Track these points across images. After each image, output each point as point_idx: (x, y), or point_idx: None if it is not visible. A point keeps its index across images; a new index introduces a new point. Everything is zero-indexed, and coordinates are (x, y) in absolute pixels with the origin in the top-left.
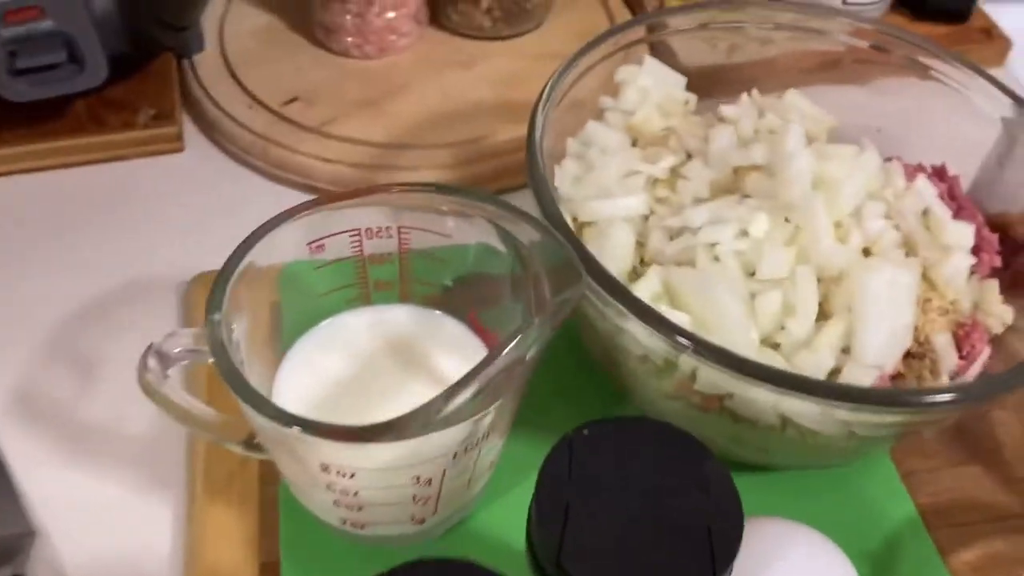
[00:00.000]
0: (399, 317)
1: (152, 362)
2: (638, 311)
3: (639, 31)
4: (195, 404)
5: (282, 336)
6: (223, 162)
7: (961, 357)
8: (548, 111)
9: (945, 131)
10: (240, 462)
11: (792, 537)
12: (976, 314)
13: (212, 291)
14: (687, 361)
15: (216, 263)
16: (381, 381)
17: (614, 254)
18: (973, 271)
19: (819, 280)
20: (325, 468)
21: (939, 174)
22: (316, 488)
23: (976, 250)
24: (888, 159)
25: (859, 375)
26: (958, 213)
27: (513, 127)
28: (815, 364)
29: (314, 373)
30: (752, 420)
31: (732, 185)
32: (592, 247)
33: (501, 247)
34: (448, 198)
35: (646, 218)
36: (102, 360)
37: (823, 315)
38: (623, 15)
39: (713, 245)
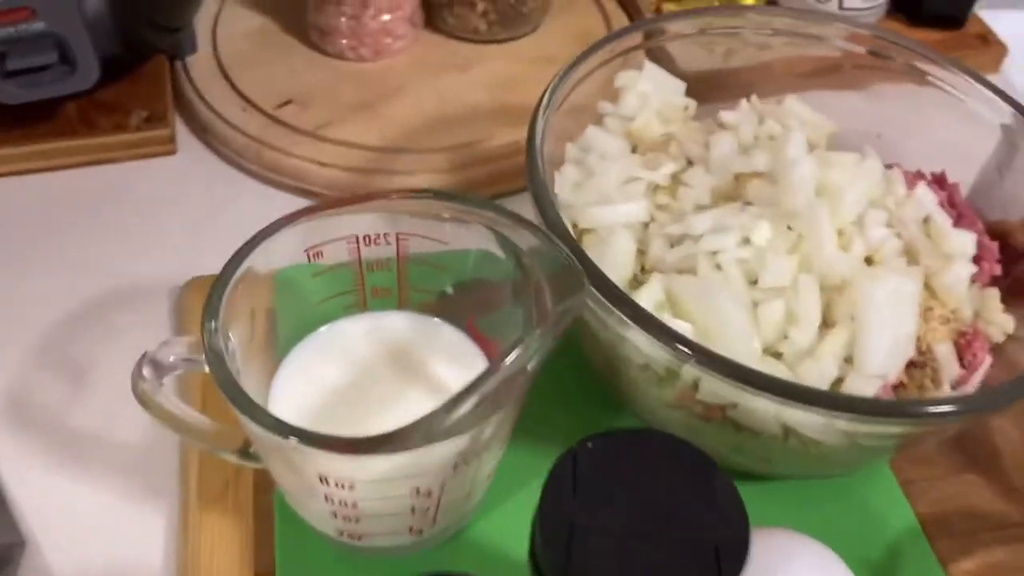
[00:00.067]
0: (396, 324)
1: (147, 371)
2: (641, 320)
3: (637, 36)
4: (190, 413)
5: (277, 343)
6: (216, 165)
7: (962, 366)
8: (548, 116)
9: (943, 137)
10: (234, 471)
11: (795, 548)
12: (977, 323)
13: (209, 299)
14: (690, 371)
15: (209, 267)
16: (379, 389)
17: (615, 261)
18: (973, 279)
19: (821, 289)
20: (323, 479)
21: (939, 181)
22: (313, 499)
23: (976, 259)
24: (888, 166)
25: (862, 385)
26: (958, 221)
27: (509, 131)
28: (819, 374)
29: (311, 381)
30: (754, 430)
31: (733, 192)
32: (592, 254)
33: (500, 254)
34: (447, 205)
35: (646, 225)
36: (93, 366)
37: (825, 324)
38: (619, 18)
39: (715, 253)
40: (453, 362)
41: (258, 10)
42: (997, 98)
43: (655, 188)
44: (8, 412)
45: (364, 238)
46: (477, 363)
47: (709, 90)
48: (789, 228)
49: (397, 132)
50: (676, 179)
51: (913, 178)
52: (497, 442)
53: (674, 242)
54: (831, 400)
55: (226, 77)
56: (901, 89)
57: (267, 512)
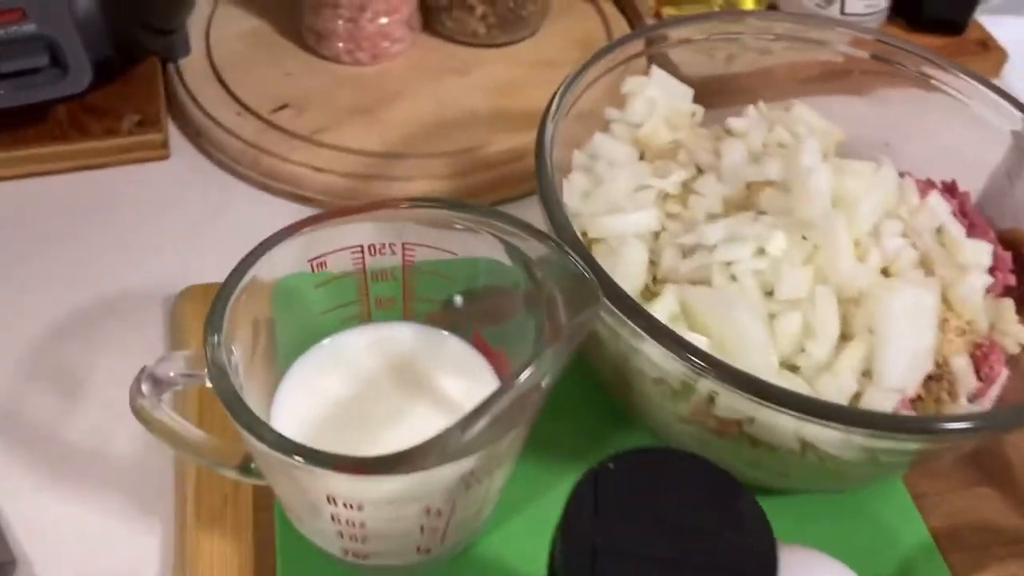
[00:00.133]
0: (401, 336)
1: (146, 387)
2: (656, 333)
3: (641, 43)
4: (190, 429)
5: (278, 355)
6: (210, 170)
7: (979, 379)
8: (557, 122)
9: (950, 144)
10: (233, 486)
11: (812, 566)
12: (992, 334)
13: (211, 311)
14: (706, 385)
15: (204, 276)
16: (384, 404)
17: (627, 272)
18: (988, 290)
19: (838, 301)
20: (331, 499)
21: (950, 190)
22: (318, 518)
23: (990, 269)
24: (900, 175)
25: (880, 399)
26: (970, 231)
27: (509, 136)
28: (838, 388)
29: (314, 395)
30: (771, 445)
31: (745, 201)
32: (604, 265)
33: (508, 263)
34: (456, 214)
35: (657, 235)
36: (85, 378)
37: (842, 337)
38: (618, 22)
39: (729, 264)
40: (459, 375)
41: (252, 12)
42: (1007, 103)
43: (665, 196)
44: None
45: (369, 248)
46: (484, 376)
47: (712, 95)
48: (804, 238)
49: (395, 137)
50: (686, 187)
51: (924, 186)
52: (509, 459)
53: (687, 252)
54: (855, 417)
55: (220, 80)
56: (906, 94)
57: (268, 529)
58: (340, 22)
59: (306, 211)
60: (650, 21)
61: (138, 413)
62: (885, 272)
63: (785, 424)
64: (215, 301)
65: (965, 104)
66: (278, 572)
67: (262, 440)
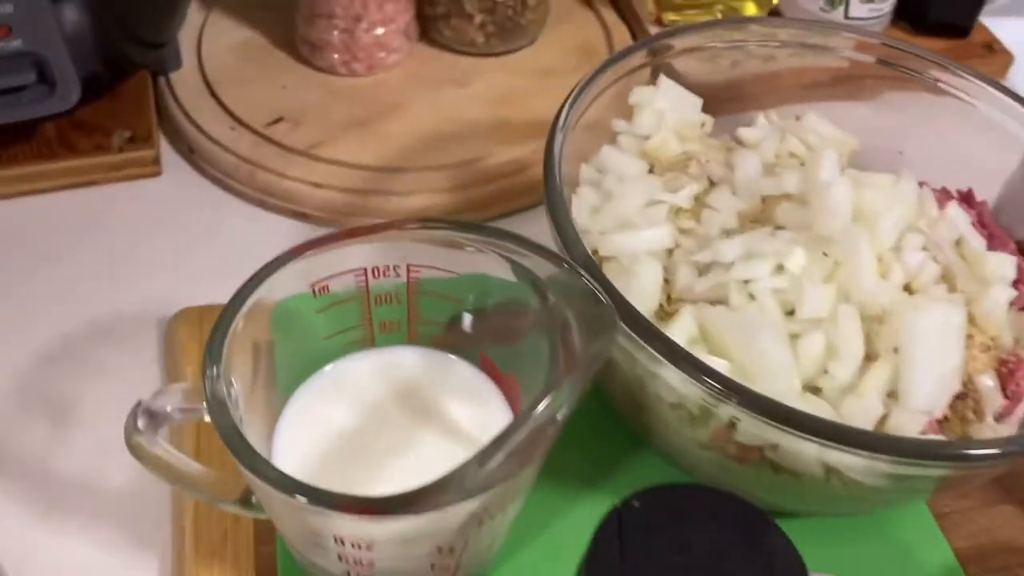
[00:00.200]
0: (407, 361)
1: (142, 422)
2: (675, 357)
3: (646, 53)
4: (187, 463)
5: (279, 382)
6: (204, 187)
7: (1005, 396)
8: (565, 134)
9: (962, 150)
10: (233, 519)
11: None
12: (1017, 349)
13: (210, 342)
14: (727, 411)
15: (199, 297)
16: (391, 433)
17: (642, 292)
18: (1011, 304)
19: (860, 319)
20: (338, 539)
21: (967, 199)
22: (324, 556)
23: (1014, 282)
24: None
25: (907, 421)
26: (990, 242)
27: (510, 148)
28: (863, 411)
29: (318, 425)
30: (794, 471)
31: (760, 215)
32: (616, 285)
33: (517, 283)
34: (466, 235)
35: (670, 252)
36: (77, 406)
37: (865, 357)
38: (619, 29)
39: (747, 282)
40: (468, 401)
41: (245, 23)
42: (1020, 107)
43: (677, 211)
44: None
45: (373, 270)
46: (493, 401)
47: (717, 103)
48: (824, 254)
49: (393, 150)
50: (699, 201)
51: (941, 197)
52: (523, 492)
53: (702, 270)
54: (887, 445)
55: (213, 94)
56: (914, 99)
57: (270, 564)
58: (335, 33)
59: (303, 227)
60: (651, 27)
61: (133, 450)
62: (907, 288)
63: (809, 450)
64: (213, 331)
65: (975, 108)
66: None
67: (264, 479)
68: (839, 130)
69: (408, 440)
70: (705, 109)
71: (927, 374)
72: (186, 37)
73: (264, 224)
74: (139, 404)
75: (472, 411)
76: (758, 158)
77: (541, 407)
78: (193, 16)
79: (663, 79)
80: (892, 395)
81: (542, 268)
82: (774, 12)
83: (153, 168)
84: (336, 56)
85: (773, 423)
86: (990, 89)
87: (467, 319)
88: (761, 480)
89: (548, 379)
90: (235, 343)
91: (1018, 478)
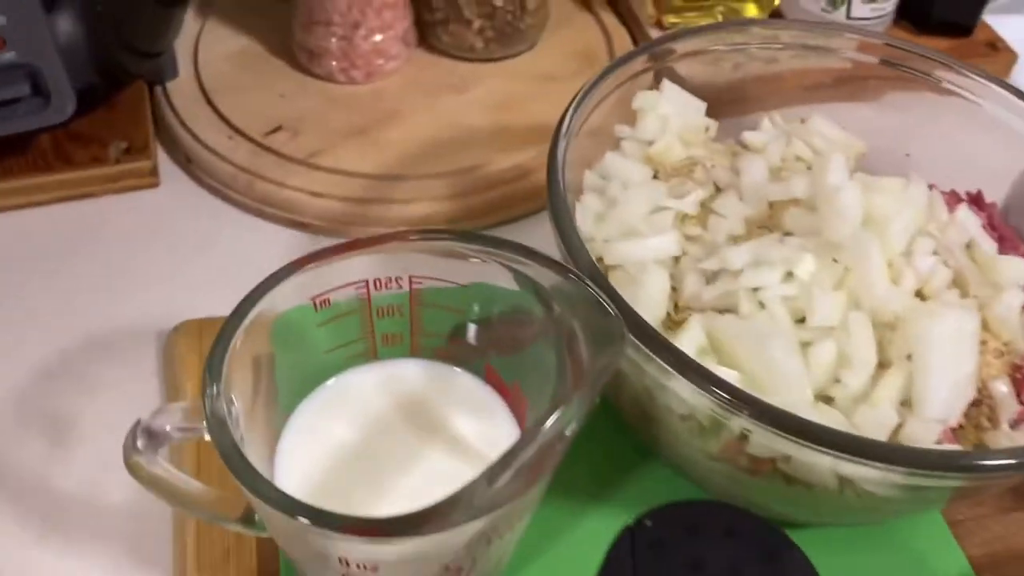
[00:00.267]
0: (410, 373)
1: (141, 442)
2: (685, 369)
3: (648, 58)
4: (188, 482)
5: (279, 397)
6: (202, 197)
7: (1020, 402)
8: (569, 140)
9: (968, 151)
10: (236, 536)
11: None
12: None
13: (209, 359)
14: (738, 423)
15: (199, 309)
16: (395, 448)
17: (649, 302)
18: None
19: (872, 326)
20: (343, 561)
21: (976, 201)
22: None
23: None
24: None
25: (921, 430)
26: (1000, 244)
27: (511, 154)
28: (877, 422)
29: (320, 442)
30: (807, 483)
31: (768, 220)
32: (623, 294)
33: (520, 293)
34: (470, 246)
35: (677, 259)
36: (75, 422)
37: (877, 365)
38: (619, 32)
39: (756, 289)
40: (473, 414)
41: (241, 31)
42: None
43: (683, 217)
44: None
45: (375, 282)
46: (499, 414)
47: (719, 106)
48: (834, 260)
49: (393, 158)
50: (705, 207)
51: (950, 199)
52: (531, 509)
53: (710, 278)
54: (904, 456)
55: (210, 103)
56: (918, 98)
57: None
58: (333, 40)
59: (302, 237)
60: (651, 30)
61: (132, 470)
62: (919, 294)
63: (823, 462)
64: (213, 349)
65: (981, 107)
66: None
67: (266, 500)
68: (845, 133)
69: (413, 456)
70: (707, 112)
71: (942, 382)
72: (182, 46)
73: (263, 234)
74: (138, 423)
75: (478, 425)
76: (764, 163)
77: (550, 422)
78: (189, 24)
79: (667, 83)
80: (906, 404)
81: (546, 278)
82: (775, 13)
83: (150, 179)
84: (334, 63)
85: (786, 435)
86: (995, 88)
87: (471, 330)
88: (773, 492)
89: (555, 391)
90: (235, 359)
91: None
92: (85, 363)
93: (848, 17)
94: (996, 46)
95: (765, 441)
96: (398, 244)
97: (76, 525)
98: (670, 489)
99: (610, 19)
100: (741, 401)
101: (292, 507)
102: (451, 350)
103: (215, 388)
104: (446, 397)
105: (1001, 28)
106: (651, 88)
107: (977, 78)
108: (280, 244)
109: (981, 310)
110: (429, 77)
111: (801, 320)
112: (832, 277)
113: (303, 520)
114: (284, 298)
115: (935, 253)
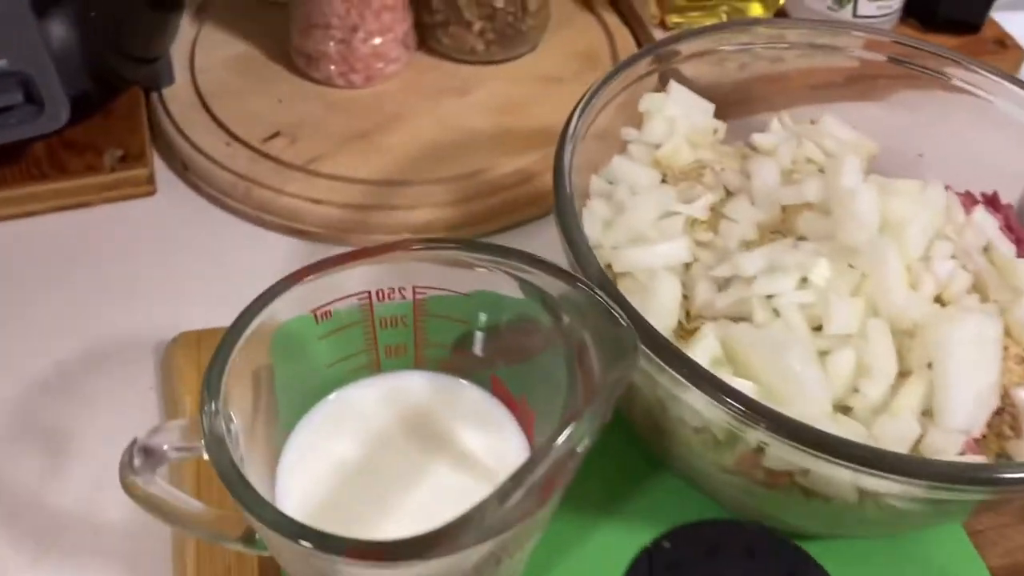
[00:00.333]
0: (414, 386)
1: (138, 461)
2: (699, 380)
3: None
4: (186, 501)
5: (281, 412)
6: (200, 205)
7: None
8: (575, 144)
9: (981, 150)
10: (237, 555)
11: None
12: None
13: (207, 376)
14: (755, 435)
15: (197, 320)
16: (400, 464)
17: (660, 310)
18: None
19: (891, 334)
20: None
21: (991, 203)
22: None
23: None
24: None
25: (943, 441)
26: (1018, 247)
27: (514, 158)
28: (899, 433)
29: (323, 459)
30: (826, 496)
31: (781, 225)
32: (633, 303)
33: (527, 302)
34: (475, 255)
35: (687, 266)
36: (71, 437)
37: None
38: (621, 32)
39: (770, 297)
40: (480, 428)
41: (238, 36)
42: None
43: (693, 222)
44: None
45: (377, 293)
46: (506, 426)
47: (726, 106)
48: (850, 266)
49: (394, 163)
50: (715, 212)
51: (966, 200)
52: (541, 527)
53: (722, 285)
54: (927, 470)
55: (207, 109)
56: (928, 97)
57: None
58: (331, 44)
59: (302, 245)
60: (654, 30)
61: (129, 490)
62: (938, 299)
63: (843, 475)
64: (211, 365)
65: (992, 104)
66: None
67: (268, 524)
68: (857, 133)
69: (419, 472)
70: (713, 114)
71: (964, 390)
72: (178, 51)
73: (263, 242)
74: (134, 442)
75: (485, 439)
76: (776, 165)
77: (561, 439)
78: (185, 30)
79: (674, 84)
80: (927, 413)
81: (554, 287)
82: (780, 12)
83: (147, 187)
84: (333, 67)
85: (804, 448)
86: (1007, 84)
87: (476, 340)
88: (790, 505)
89: (566, 403)
90: (234, 375)
91: None
92: (81, 376)
93: (854, 16)
94: (1005, 43)
95: (783, 454)
96: (401, 254)
97: (72, 544)
98: (683, 502)
99: (612, 19)
100: (758, 413)
101: (294, 530)
102: (456, 361)
103: (213, 405)
104: (452, 410)
105: (1009, 25)
106: (656, 90)
107: (988, 74)
108: (279, 252)
109: (1002, 315)
110: (429, 80)
111: (817, 328)
112: (848, 283)
113: (306, 544)
114: (284, 311)
115: (953, 257)
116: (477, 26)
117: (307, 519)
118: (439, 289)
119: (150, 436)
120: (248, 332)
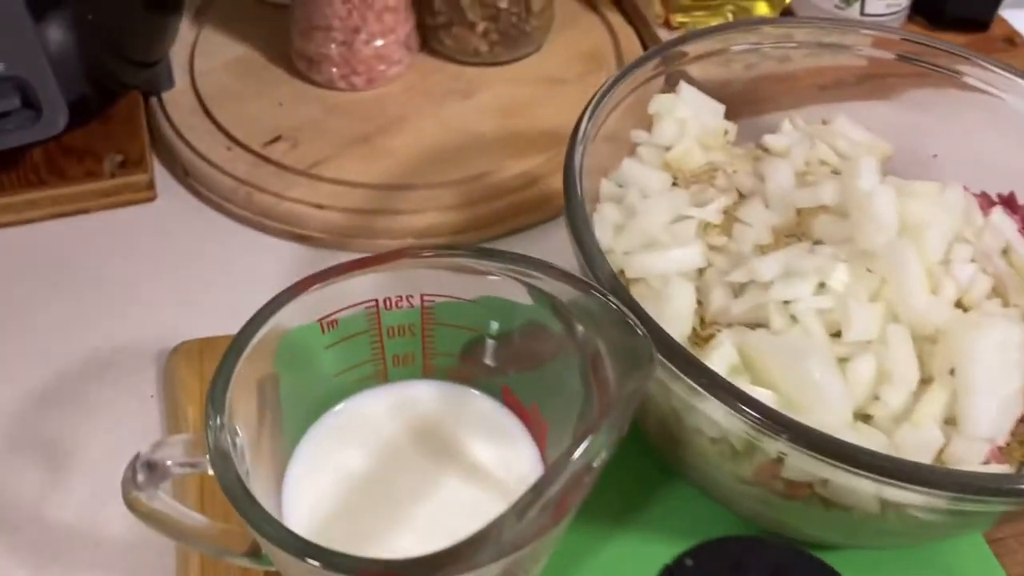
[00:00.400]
0: (423, 396)
1: (141, 477)
2: (717, 389)
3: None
4: (191, 516)
5: (286, 424)
6: (201, 211)
7: None
8: (585, 147)
9: (993, 148)
10: (242, 570)
11: None
12: None
13: (211, 392)
14: (774, 446)
15: (198, 327)
16: (410, 477)
17: (674, 317)
18: None
19: (912, 340)
20: None
21: (1008, 204)
22: None
23: None
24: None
25: (967, 451)
26: None
27: (520, 161)
28: (921, 442)
29: (330, 471)
30: (846, 507)
31: (796, 228)
32: (647, 309)
33: (536, 308)
34: (485, 263)
35: (701, 271)
36: (72, 449)
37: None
38: (625, 32)
39: (787, 303)
40: (491, 438)
41: (239, 39)
42: None
43: (705, 226)
44: None
45: (384, 301)
46: (518, 437)
47: (735, 107)
48: (869, 270)
49: (398, 167)
50: (729, 215)
51: (983, 202)
52: (555, 542)
53: (738, 291)
54: (952, 481)
55: (207, 113)
56: (938, 95)
57: None
58: (333, 46)
59: (305, 250)
60: (659, 30)
61: (132, 505)
62: (959, 304)
63: (865, 486)
64: (215, 379)
65: (1004, 101)
66: None
67: (274, 541)
68: (870, 134)
69: (429, 485)
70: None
71: (988, 397)
72: (178, 55)
73: (265, 247)
74: (137, 457)
75: (496, 450)
76: (790, 167)
77: (578, 452)
78: (185, 33)
79: (684, 85)
80: (950, 422)
81: (565, 293)
82: (786, 11)
83: (147, 193)
84: (335, 70)
85: (825, 458)
86: (1020, 81)
87: (486, 348)
88: (809, 516)
89: (581, 414)
90: (239, 387)
91: None
92: (82, 386)
93: (862, 14)
94: (1014, 41)
95: (802, 465)
96: (408, 261)
97: (74, 558)
98: (699, 512)
99: (616, 19)
100: (778, 423)
101: (301, 548)
102: (465, 370)
103: (218, 420)
104: (462, 420)
105: (1018, 23)
106: (663, 92)
107: (1000, 72)
108: (282, 258)
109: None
110: (432, 82)
111: (836, 334)
112: (867, 288)
113: (313, 563)
114: (289, 320)
115: (973, 260)
116: (480, 27)
117: (314, 533)
118: (447, 296)
119: (153, 451)
120: (253, 343)
